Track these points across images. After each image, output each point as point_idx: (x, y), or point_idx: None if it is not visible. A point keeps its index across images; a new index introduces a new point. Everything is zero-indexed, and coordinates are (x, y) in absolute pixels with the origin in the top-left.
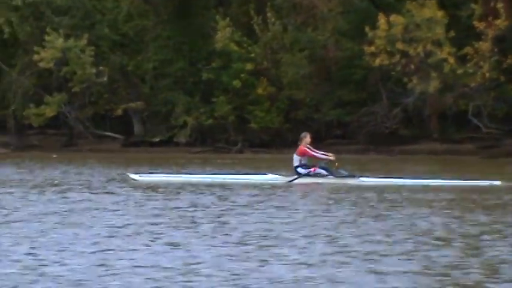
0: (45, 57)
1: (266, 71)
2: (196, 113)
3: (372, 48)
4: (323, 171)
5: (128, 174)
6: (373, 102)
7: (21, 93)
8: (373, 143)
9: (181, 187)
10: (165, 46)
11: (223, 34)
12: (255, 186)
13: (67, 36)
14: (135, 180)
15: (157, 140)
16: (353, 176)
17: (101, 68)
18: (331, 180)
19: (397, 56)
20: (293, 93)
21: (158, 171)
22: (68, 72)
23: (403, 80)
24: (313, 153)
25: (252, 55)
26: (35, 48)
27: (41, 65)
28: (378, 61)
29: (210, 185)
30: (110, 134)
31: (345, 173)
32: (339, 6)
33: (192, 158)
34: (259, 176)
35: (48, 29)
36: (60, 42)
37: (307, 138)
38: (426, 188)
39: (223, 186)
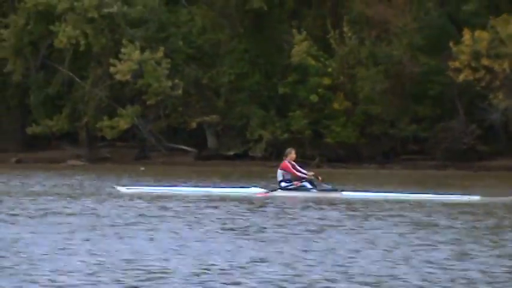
0: (121, 69)
1: (342, 86)
2: (272, 127)
3: (456, 64)
4: (307, 185)
5: (115, 186)
6: (450, 118)
7: (93, 106)
8: (450, 158)
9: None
10: (240, 59)
11: (300, 48)
12: (238, 199)
13: (142, 49)
14: (121, 192)
15: (231, 153)
16: (335, 190)
17: (176, 81)
18: (313, 194)
19: (482, 72)
20: (369, 108)
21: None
22: (143, 85)
23: (487, 96)
24: (293, 170)
25: (329, 70)
26: (111, 61)
27: (118, 77)
28: (462, 76)
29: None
30: (182, 147)
31: (327, 186)
32: (413, 22)
33: (270, 172)
34: (244, 189)
35: (124, 41)
36: (136, 54)
37: (291, 154)
38: (404, 202)
39: (207, 198)
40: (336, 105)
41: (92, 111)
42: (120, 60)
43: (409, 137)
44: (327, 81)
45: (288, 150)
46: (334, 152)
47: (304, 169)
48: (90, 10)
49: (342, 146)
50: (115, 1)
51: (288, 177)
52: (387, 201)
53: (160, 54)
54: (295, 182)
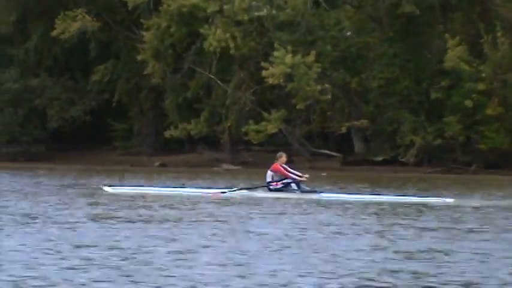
0: (274, 72)
1: (494, 91)
2: (423, 133)
3: None
4: (294, 186)
5: (101, 186)
6: None
7: (236, 109)
8: None
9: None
10: (390, 64)
11: (454, 53)
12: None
13: (293, 53)
14: (107, 192)
15: (380, 159)
16: (315, 192)
17: (326, 85)
18: (296, 195)
19: None
20: None
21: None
22: (292, 89)
23: None
24: (286, 171)
25: (483, 75)
26: (263, 64)
27: (270, 81)
28: None
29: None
30: (327, 152)
31: (307, 188)
32: None
33: (427, 178)
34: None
35: (276, 45)
36: (289, 58)
37: (282, 158)
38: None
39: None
40: (489, 111)
41: (235, 115)
42: (270, 63)
43: None
44: (481, 86)
45: (279, 154)
46: (486, 158)
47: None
48: (240, 13)
49: (494, 152)
50: (264, 4)
51: (277, 178)
52: (364, 203)
53: (311, 58)
54: (280, 182)
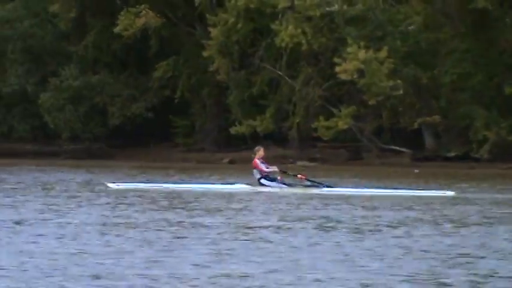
0: (348, 68)
1: None
2: (496, 128)
3: None
4: (264, 181)
5: (105, 183)
6: None
7: (304, 106)
8: None
9: None
10: (462, 59)
11: None
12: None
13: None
14: (111, 188)
15: (452, 155)
16: (318, 185)
17: (398, 81)
18: (298, 189)
19: None
20: None
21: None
22: (364, 85)
23: None
24: (260, 167)
25: None
26: (335, 60)
27: (343, 76)
28: None
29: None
30: (396, 147)
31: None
32: None
33: (506, 174)
34: (227, 185)
35: (349, 40)
36: (362, 53)
37: (260, 151)
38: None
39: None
40: None
41: (303, 111)
42: (343, 59)
43: None
44: None
45: (257, 148)
46: None
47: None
48: (311, 8)
49: None
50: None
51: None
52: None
53: (384, 53)
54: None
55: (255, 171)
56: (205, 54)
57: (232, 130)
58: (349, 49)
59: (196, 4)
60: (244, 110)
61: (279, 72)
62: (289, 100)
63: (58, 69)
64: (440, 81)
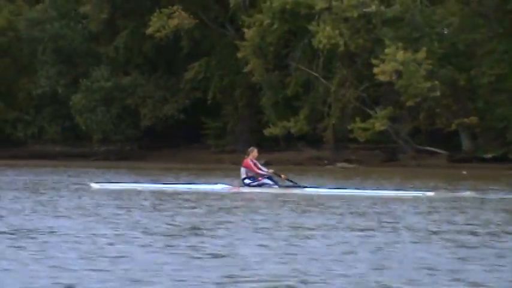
0: (386, 69)
1: None
2: None
3: None
4: (269, 181)
5: (89, 183)
6: None
7: (340, 107)
8: None
9: None
10: (500, 60)
11: None
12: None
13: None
14: (94, 188)
15: (489, 156)
16: (298, 186)
17: (435, 82)
18: (275, 190)
19: None
20: None
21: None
22: (402, 86)
23: None
24: (254, 168)
25: None
26: (373, 61)
27: (381, 78)
28: None
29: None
30: (432, 149)
31: (289, 183)
32: None
33: None
34: (209, 185)
35: (387, 42)
36: (400, 55)
37: (254, 152)
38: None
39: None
40: None
41: (338, 113)
42: (380, 60)
43: None
44: None
45: (251, 148)
46: None
47: (264, 167)
48: (349, 10)
49: None
50: (372, 0)
51: (251, 174)
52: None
53: (422, 54)
54: (259, 178)
55: (242, 170)
56: (239, 55)
57: (266, 131)
58: (387, 50)
59: (231, 5)
60: (278, 111)
61: (315, 74)
62: (323, 101)
63: (88, 71)
64: (477, 83)
